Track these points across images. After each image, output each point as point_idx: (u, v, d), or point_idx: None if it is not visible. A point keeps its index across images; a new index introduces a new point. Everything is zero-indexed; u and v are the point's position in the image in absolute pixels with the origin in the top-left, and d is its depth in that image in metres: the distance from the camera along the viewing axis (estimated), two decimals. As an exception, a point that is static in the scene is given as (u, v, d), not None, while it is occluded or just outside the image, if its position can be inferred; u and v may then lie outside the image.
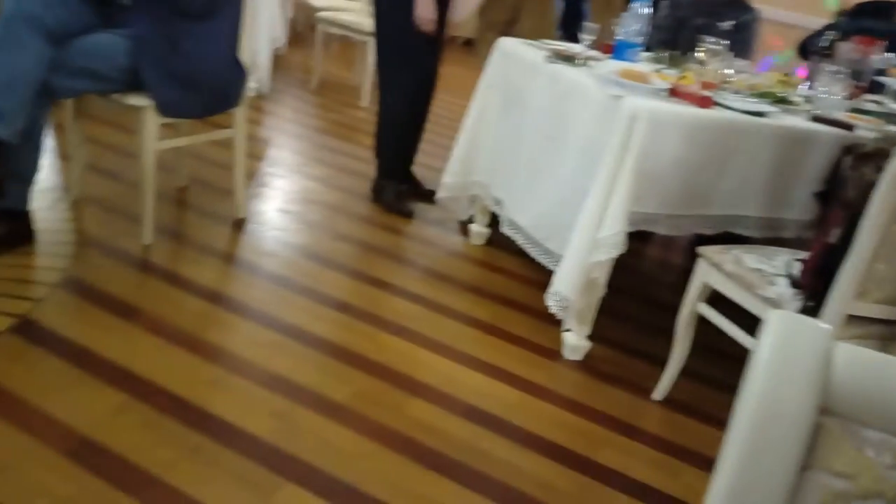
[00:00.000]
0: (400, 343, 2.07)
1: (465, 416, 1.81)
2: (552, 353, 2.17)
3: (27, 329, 1.80)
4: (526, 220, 2.35)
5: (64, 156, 2.63)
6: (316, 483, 1.50)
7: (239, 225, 2.56)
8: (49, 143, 2.14)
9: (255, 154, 3.24)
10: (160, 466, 1.46)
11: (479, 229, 2.80)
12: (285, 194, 2.92)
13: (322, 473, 1.53)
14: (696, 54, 2.42)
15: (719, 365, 2.24)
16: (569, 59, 2.31)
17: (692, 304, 1.94)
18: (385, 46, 2.88)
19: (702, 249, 1.90)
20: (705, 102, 2.06)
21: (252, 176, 2.98)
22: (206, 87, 2.23)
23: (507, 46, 2.53)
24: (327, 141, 3.64)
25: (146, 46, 2.05)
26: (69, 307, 1.92)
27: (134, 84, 2.07)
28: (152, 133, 2.15)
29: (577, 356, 2.16)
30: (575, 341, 2.15)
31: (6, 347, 1.72)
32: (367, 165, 3.33)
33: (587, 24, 2.53)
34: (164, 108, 2.13)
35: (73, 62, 1.99)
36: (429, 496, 1.54)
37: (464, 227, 2.88)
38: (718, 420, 1.99)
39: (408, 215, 2.92)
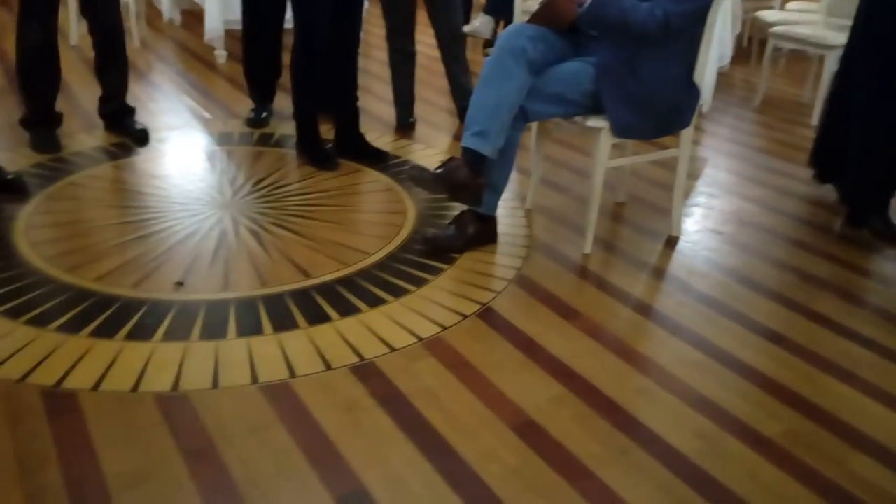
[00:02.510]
0: (844, 388, 1.87)
1: (922, 485, 1.57)
2: None
3: (488, 315, 2.12)
4: None
5: (523, 170, 3.01)
6: (740, 515, 1.47)
7: (671, 242, 2.61)
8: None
9: (691, 173, 3.23)
10: (592, 460, 1.59)
11: (957, 271, 2.36)
12: (719, 214, 2.86)
13: (747, 507, 1.49)
14: None
15: None
16: None
17: None
18: (873, 69, 2.58)
19: None
20: None
21: (687, 194, 2.99)
22: (659, 109, 2.32)
23: None
24: (767, 161, 3.45)
25: (608, 72, 2.23)
26: (520, 301, 2.20)
27: (594, 107, 2.27)
28: (605, 152, 2.33)
29: None
30: None
31: (473, 329, 2.05)
32: (810, 188, 3.07)
33: None
34: (619, 130, 2.29)
35: (546, 88, 2.27)
36: (871, 565, 1.37)
37: (937, 266, 2.46)
38: None
39: None
